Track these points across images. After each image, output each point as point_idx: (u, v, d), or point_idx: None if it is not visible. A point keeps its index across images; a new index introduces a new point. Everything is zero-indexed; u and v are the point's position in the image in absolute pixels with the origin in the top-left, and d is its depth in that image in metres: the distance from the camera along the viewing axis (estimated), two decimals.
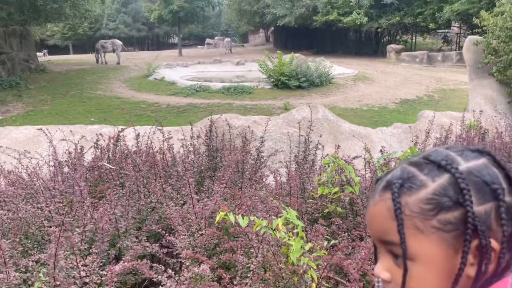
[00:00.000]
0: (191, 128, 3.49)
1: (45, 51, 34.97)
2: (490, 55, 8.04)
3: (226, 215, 1.92)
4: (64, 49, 43.54)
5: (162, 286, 1.85)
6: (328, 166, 2.56)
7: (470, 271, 0.69)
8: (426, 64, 24.23)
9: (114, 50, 23.08)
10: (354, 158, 2.70)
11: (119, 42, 23.60)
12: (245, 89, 15.99)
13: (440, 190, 0.69)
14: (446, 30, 30.72)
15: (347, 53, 29.94)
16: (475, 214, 0.67)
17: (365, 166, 2.90)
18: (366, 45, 31.85)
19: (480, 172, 0.70)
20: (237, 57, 27.82)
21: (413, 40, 31.54)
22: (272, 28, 39.03)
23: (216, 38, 45.56)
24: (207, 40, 44.31)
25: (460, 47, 22.12)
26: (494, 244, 0.69)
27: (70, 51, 43.24)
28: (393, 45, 27.25)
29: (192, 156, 3.25)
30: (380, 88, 17.10)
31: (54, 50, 40.95)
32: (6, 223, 2.21)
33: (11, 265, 1.91)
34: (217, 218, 1.86)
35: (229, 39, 35.41)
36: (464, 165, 0.71)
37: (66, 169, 3.09)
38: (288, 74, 16.24)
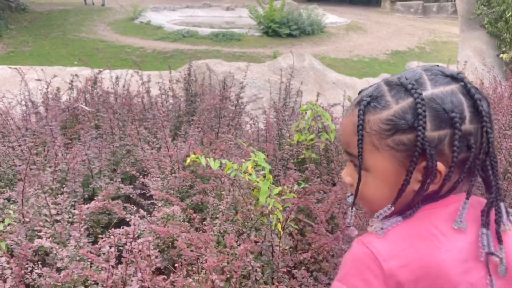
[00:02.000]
0: (170, 72, 3.41)
1: None
2: (482, 6, 7.87)
3: (197, 158, 1.91)
4: None
5: (134, 225, 1.87)
6: (306, 112, 2.54)
7: (415, 186, 0.76)
8: (420, 15, 23.74)
9: None
10: (333, 105, 2.68)
11: None
12: (234, 36, 15.59)
13: (400, 113, 0.74)
14: None
15: (341, 1, 29.09)
16: (425, 138, 0.72)
17: (343, 115, 2.89)
18: None
19: (443, 99, 0.73)
20: (227, 1, 26.86)
21: None
22: None
23: None
24: None
25: None
26: (441, 167, 0.74)
27: None
28: None
29: (171, 101, 3.20)
30: (372, 39, 16.82)
31: None
32: None
33: None
34: (188, 161, 1.85)
35: None
36: (430, 90, 0.74)
37: (41, 110, 3.03)
38: (279, 21, 15.80)
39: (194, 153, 1.95)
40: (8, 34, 15.29)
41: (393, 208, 0.77)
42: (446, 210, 0.76)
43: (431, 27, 19.90)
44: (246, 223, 1.84)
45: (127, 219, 1.97)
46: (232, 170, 1.83)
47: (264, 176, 1.66)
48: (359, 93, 0.84)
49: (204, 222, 1.92)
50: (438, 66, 0.79)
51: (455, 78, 0.76)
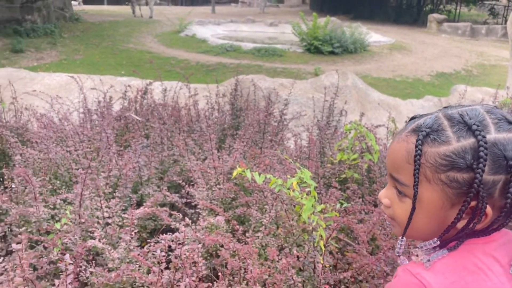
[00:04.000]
0: (217, 86, 3.52)
1: (80, 0, 35.10)
2: None
3: (243, 171, 1.98)
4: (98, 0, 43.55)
5: (183, 232, 1.95)
6: (350, 132, 2.57)
7: (459, 224, 0.78)
8: (468, 37, 23.14)
9: (147, 3, 22.96)
10: (377, 126, 2.69)
11: None
12: (276, 51, 15.77)
13: (460, 151, 0.74)
14: (494, 2, 29.04)
15: (385, 20, 28.83)
16: (482, 181, 0.72)
17: (387, 136, 2.89)
18: (407, 13, 30.52)
19: (505, 146, 0.74)
20: (270, 17, 27.25)
21: (457, 11, 30.01)
22: None
23: None
24: None
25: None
26: (489, 210, 0.75)
27: (104, 1, 43.28)
28: (435, 15, 26.02)
29: (216, 114, 3.30)
30: (417, 59, 16.54)
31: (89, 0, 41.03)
32: (37, 163, 2.34)
33: (41, 201, 2.04)
34: (234, 174, 1.92)
35: None
36: (493, 135, 0.74)
37: (94, 117, 3.21)
38: (322, 38, 15.86)
39: (240, 166, 2.02)
40: (61, 42, 16.15)
41: (439, 242, 0.79)
42: (490, 246, 0.79)
43: (480, 49, 19.35)
44: (287, 238, 1.88)
45: (172, 226, 2.06)
46: (277, 185, 1.88)
47: (308, 193, 1.70)
48: (411, 119, 0.86)
49: (246, 234, 1.97)
50: (496, 107, 0.80)
51: None
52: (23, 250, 1.36)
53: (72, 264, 1.68)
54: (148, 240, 2.01)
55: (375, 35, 19.25)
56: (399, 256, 0.87)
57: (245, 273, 1.65)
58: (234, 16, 27.30)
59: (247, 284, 1.66)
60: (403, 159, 0.81)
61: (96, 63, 13.88)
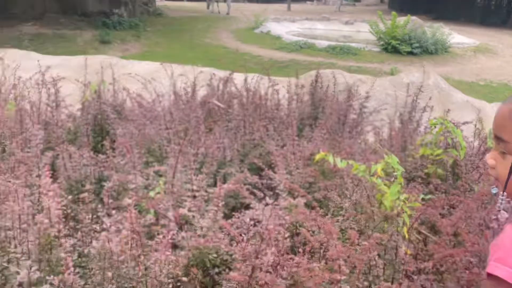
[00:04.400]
0: (297, 77, 3.59)
1: None
2: None
3: (325, 155, 2.03)
4: None
5: (256, 210, 2.05)
6: (435, 127, 2.51)
7: None
8: None
9: (225, 0, 23.56)
10: (464, 123, 2.61)
11: None
12: (351, 50, 15.51)
13: None
14: None
15: (470, 21, 27.11)
16: None
17: (474, 134, 2.78)
18: (495, 13, 28.48)
19: None
20: (346, 16, 26.78)
21: None
22: None
23: None
24: None
25: None
26: None
27: None
28: None
29: (295, 104, 3.37)
30: (503, 63, 15.45)
31: None
32: (134, 137, 2.57)
33: (137, 171, 2.24)
34: (317, 158, 1.97)
35: None
36: None
37: (181, 101, 3.41)
38: (400, 38, 15.33)
39: (322, 151, 2.07)
40: (145, 35, 17.11)
41: None
42: None
43: None
44: (367, 224, 1.91)
45: (252, 206, 2.16)
46: (359, 171, 1.91)
47: (395, 178, 1.71)
48: None
49: (326, 217, 2.02)
50: None
51: None
52: (132, 205, 1.52)
53: (167, 226, 1.83)
54: (233, 214, 2.12)
55: (458, 37, 18.21)
56: (499, 211, 0.91)
57: (325, 251, 1.70)
58: (309, 14, 27.18)
59: (326, 262, 1.71)
60: (505, 117, 0.91)
61: (175, 56, 14.55)
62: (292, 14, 26.51)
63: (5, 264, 1.47)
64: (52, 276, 1.25)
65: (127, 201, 1.57)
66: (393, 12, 16.60)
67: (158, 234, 1.91)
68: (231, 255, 1.87)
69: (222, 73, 4.45)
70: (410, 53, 15.24)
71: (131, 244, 1.46)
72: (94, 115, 2.93)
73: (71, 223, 1.90)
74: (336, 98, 3.34)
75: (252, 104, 3.31)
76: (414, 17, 16.55)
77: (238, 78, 4.19)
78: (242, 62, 14.01)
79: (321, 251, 1.72)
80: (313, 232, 1.86)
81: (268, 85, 3.71)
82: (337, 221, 1.92)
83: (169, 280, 1.44)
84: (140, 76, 3.46)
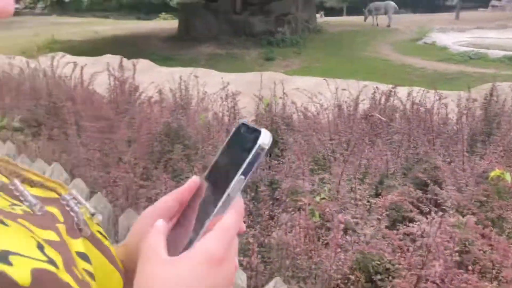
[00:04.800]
0: (469, 91, 3.40)
1: (322, 12, 37.74)
2: None
3: (502, 173, 1.93)
4: (338, 11, 45.92)
5: (419, 224, 2.05)
6: None
7: None
8: None
9: (386, 12, 22.99)
10: None
11: (392, 4, 23.23)
12: None
13: None
14: None
15: None
16: None
17: None
18: None
19: None
20: None
21: None
22: None
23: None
24: (492, 2, 38.56)
25: None
26: None
27: (344, 13, 45.32)
28: None
29: (465, 119, 3.20)
30: None
31: (330, 12, 43.70)
32: (301, 147, 2.80)
33: (305, 177, 2.45)
34: (492, 175, 1.89)
35: None
36: None
37: (343, 115, 3.55)
38: None
39: (498, 169, 1.97)
40: (305, 51, 17.84)
41: None
42: None
43: None
44: None
45: (416, 219, 2.15)
46: None
47: None
48: None
49: (499, 239, 1.92)
50: None
51: None
52: (307, 205, 1.71)
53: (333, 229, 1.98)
54: (396, 225, 2.16)
55: None
56: None
57: (499, 272, 1.64)
58: (480, 22, 24.66)
59: (499, 284, 1.64)
60: None
61: (333, 70, 14.80)
62: (461, 24, 24.43)
63: None
64: (242, 258, 1.51)
65: (303, 200, 1.77)
66: None
67: (322, 236, 2.08)
68: (393, 265, 1.92)
69: (383, 87, 4.45)
70: None
71: (304, 239, 1.65)
72: (265, 126, 3.27)
73: (251, 217, 2.20)
74: None
75: (416, 118, 3.26)
76: None
77: (401, 92, 4.14)
78: (404, 74, 13.50)
79: (494, 271, 1.66)
80: (485, 251, 1.79)
81: (434, 99, 3.60)
82: None
83: (338, 276, 1.58)
84: (306, 91, 3.72)
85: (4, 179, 0.43)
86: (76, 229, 0.44)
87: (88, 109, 3.74)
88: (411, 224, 2.01)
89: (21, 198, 0.42)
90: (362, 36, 20.16)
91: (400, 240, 1.92)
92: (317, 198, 2.36)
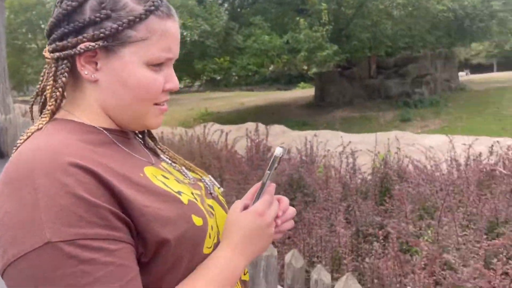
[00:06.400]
0: None
1: (467, 70, 35.72)
2: None
3: None
4: (487, 68, 42.82)
5: None
6: None
7: None
8: None
9: None
10: None
11: None
12: None
13: None
14: None
15: None
16: None
17: None
18: None
19: None
20: None
21: None
22: None
23: None
24: None
25: None
26: None
27: (494, 69, 42.08)
28: None
29: None
30: None
31: (477, 68, 41.04)
32: (409, 194, 3.02)
33: (409, 221, 2.68)
34: None
35: None
36: None
37: (461, 168, 3.63)
38: None
39: None
40: (445, 111, 17.11)
41: None
42: None
43: None
44: None
45: None
46: None
47: None
48: None
49: None
50: None
51: None
52: (395, 238, 1.99)
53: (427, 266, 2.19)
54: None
55: None
56: None
57: None
58: None
59: None
60: None
61: (477, 129, 13.87)
62: None
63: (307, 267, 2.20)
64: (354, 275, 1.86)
65: (388, 230, 2.06)
66: None
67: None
68: None
69: None
70: None
71: (393, 264, 1.92)
72: (380, 178, 3.56)
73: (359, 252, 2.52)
74: None
75: None
76: None
77: None
78: None
79: None
80: None
81: None
82: None
83: None
84: (420, 146, 3.91)
85: (178, 166, 0.97)
86: (209, 193, 0.94)
87: (230, 166, 4.52)
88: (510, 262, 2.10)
89: (186, 176, 0.94)
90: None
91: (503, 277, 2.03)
92: (421, 239, 2.56)
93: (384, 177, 3.51)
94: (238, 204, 0.83)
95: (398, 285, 1.85)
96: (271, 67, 25.31)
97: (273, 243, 2.52)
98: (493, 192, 3.10)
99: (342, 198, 3.30)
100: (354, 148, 4.26)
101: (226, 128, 7.37)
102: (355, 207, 2.95)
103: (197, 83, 32.92)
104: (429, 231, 2.58)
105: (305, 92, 28.44)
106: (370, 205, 2.86)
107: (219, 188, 0.99)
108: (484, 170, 3.52)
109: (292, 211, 0.87)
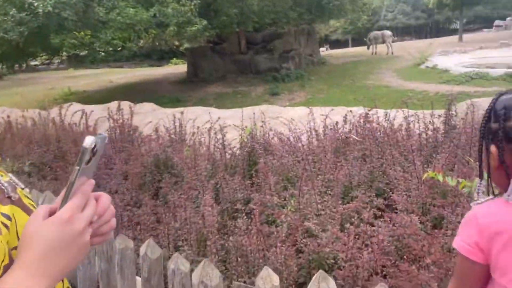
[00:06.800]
0: (432, 108, 3.69)
1: (327, 46, 38.68)
2: None
3: (435, 175, 2.20)
4: (344, 43, 46.93)
5: (376, 227, 2.31)
6: None
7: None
8: None
9: (384, 41, 23.67)
10: None
11: (388, 33, 24.09)
12: None
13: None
14: None
15: None
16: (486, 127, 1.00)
17: None
18: None
19: (501, 102, 0.97)
20: None
21: None
22: None
23: (508, 19, 39.52)
24: (496, 22, 39.00)
25: None
26: (493, 148, 0.99)
27: (349, 44, 46.29)
28: None
29: (430, 132, 3.48)
30: None
31: (335, 44, 44.68)
32: (274, 166, 3.11)
33: (274, 193, 2.74)
34: (424, 176, 2.16)
35: None
36: (502, 96, 0.99)
37: (321, 137, 3.87)
38: None
39: (433, 172, 2.24)
40: (309, 84, 18.34)
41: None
42: None
43: None
44: None
45: (372, 222, 2.41)
46: (466, 188, 2.04)
47: None
48: None
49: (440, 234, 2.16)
50: None
51: None
52: (258, 212, 2.00)
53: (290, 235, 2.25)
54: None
55: None
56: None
57: (424, 257, 1.88)
58: (484, 42, 25.00)
59: (423, 268, 1.88)
60: None
61: (337, 100, 15.18)
62: (464, 45, 24.81)
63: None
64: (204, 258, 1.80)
65: (252, 206, 2.07)
66: None
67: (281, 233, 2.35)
68: (346, 261, 2.17)
69: (373, 111, 4.76)
70: None
71: (257, 239, 1.93)
72: (248, 152, 3.60)
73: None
74: (473, 124, 3.32)
75: (385, 135, 3.55)
76: None
77: (395, 114, 4.42)
78: (405, 99, 13.76)
79: (423, 258, 1.90)
80: (419, 243, 2.04)
81: (404, 116, 3.90)
82: (445, 234, 2.06)
83: (284, 268, 1.85)
84: (284, 119, 4.06)
85: None
86: (6, 197, 0.75)
87: None
88: (361, 225, 2.27)
89: None
90: (365, 66, 20.65)
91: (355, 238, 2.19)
92: (285, 210, 2.64)
93: (251, 151, 3.56)
94: (41, 210, 0.66)
95: (261, 260, 1.88)
96: (141, 42, 24.12)
97: (132, 232, 2.36)
98: (347, 159, 3.35)
99: (212, 176, 3.25)
100: (224, 123, 4.24)
101: (89, 108, 6.78)
102: (222, 184, 2.92)
103: (56, 60, 29.84)
104: (292, 201, 2.68)
105: (178, 68, 27.84)
106: (237, 181, 2.87)
107: (22, 189, 0.80)
108: (340, 138, 3.79)
109: (112, 210, 0.73)
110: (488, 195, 1.03)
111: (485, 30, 40.70)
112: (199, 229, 2.10)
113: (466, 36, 30.87)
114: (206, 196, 2.49)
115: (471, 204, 1.06)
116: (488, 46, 23.12)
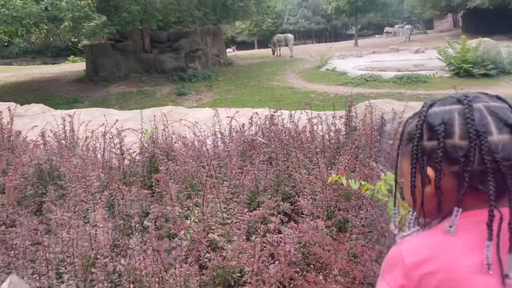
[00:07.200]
0: (333, 111, 3.75)
1: (234, 47, 38.98)
2: None
3: (339, 178, 2.16)
4: (250, 45, 47.72)
5: (283, 234, 2.21)
6: None
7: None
8: None
9: (286, 44, 24.53)
10: None
11: (290, 36, 25.10)
12: (419, 78, 15.14)
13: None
14: None
15: None
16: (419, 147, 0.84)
17: None
18: None
19: (437, 115, 0.83)
20: (417, 45, 26.23)
21: None
22: (462, 12, 35.20)
23: (396, 26, 43.40)
24: (386, 29, 42.62)
25: None
26: (430, 171, 0.83)
27: (255, 46, 47.19)
28: None
29: (332, 134, 3.52)
30: None
31: (242, 45, 45.24)
32: (177, 173, 2.89)
33: (177, 203, 2.53)
34: (328, 180, 2.12)
35: (409, 26, 33.38)
36: (434, 108, 0.85)
37: (227, 140, 3.73)
38: (473, 61, 14.69)
39: (337, 174, 2.20)
40: (216, 84, 18.24)
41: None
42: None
43: None
44: (380, 240, 1.98)
45: (278, 228, 2.32)
46: (369, 190, 2.02)
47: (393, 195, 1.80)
48: None
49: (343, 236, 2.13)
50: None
51: (461, 100, 0.81)
52: (152, 228, 1.78)
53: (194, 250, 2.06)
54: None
55: None
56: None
57: (331, 265, 1.82)
58: (377, 47, 27.05)
59: (329, 276, 1.82)
60: None
61: (244, 101, 15.28)
62: (359, 49, 26.59)
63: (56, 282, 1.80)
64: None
65: (147, 224, 1.85)
66: (463, 36, 16.06)
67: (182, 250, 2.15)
68: (256, 275, 2.04)
69: (278, 113, 4.74)
70: (485, 75, 14.49)
71: (153, 261, 1.71)
72: (149, 158, 3.33)
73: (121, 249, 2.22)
74: (372, 126, 3.43)
75: (290, 137, 3.52)
76: (486, 39, 15.81)
77: (299, 116, 4.41)
78: (308, 100, 14.32)
79: (329, 266, 1.84)
80: (329, 250, 1.98)
81: (308, 118, 3.92)
82: (351, 239, 2.03)
83: None
84: (188, 121, 3.85)
85: None
86: None
87: None
88: (268, 235, 2.16)
89: None
90: (270, 67, 21.12)
91: (261, 250, 2.06)
92: (188, 222, 2.44)
93: (151, 157, 3.29)
94: None
95: (157, 285, 1.67)
96: (32, 38, 21.99)
97: (5, 258, 1.99)
98: (253, 162, 3.25)
99: (106, 186, 2.93)
100: (122, 126, 3.89)
101: None
102: (118, 196, 2.63)
103: None
104: (196, 211, 2.49)
105: (76, 66, 25.94)
106: (135, 191, 2.60)
107: None
108: (246, 140, 3.68)
109: None
110: (417, 226, 0.88)
111: (377, 36, 44.19)
112: (85, 252, 1.82)
113: (361, 41, 33.19)
114: (97, 211, 2.19)
115: (396, 238, 0.90)
116: (380, 50, 25.03)
